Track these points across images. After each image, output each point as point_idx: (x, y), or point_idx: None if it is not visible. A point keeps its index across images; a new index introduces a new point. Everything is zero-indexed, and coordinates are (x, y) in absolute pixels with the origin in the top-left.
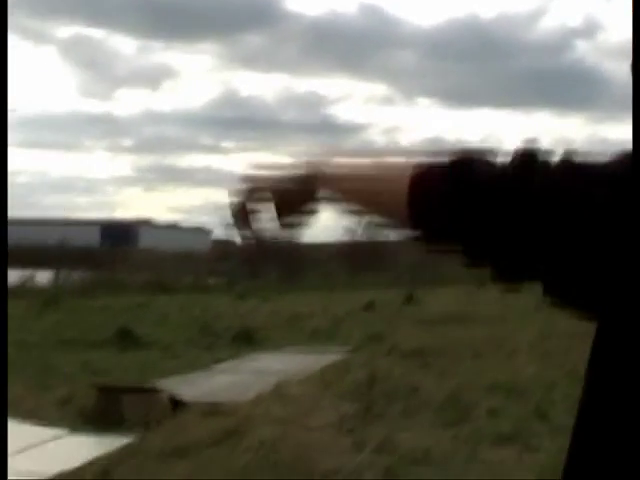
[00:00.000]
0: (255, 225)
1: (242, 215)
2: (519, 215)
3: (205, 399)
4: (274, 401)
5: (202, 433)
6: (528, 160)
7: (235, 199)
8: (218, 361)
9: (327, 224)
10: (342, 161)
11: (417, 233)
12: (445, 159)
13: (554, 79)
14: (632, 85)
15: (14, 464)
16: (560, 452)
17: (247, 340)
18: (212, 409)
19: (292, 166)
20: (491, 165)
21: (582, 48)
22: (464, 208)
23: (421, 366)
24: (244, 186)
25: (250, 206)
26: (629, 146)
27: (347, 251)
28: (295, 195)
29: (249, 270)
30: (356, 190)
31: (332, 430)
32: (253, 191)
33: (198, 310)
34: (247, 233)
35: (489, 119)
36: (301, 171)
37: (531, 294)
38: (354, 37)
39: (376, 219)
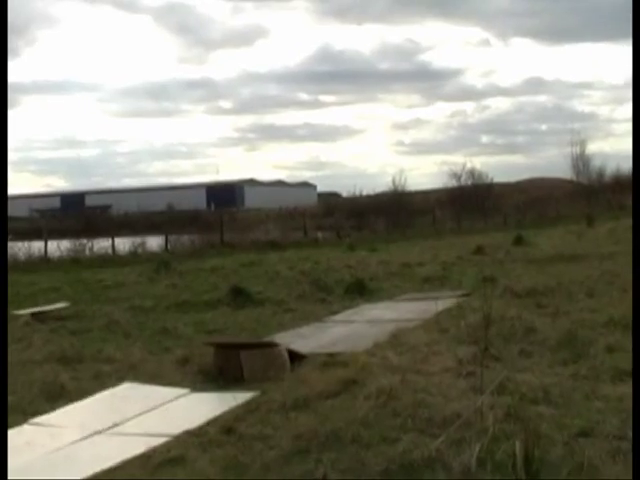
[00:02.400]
0: None
1: None
2: None
3: (322, 351)
4: (391, 349)
5: (322, 384)
6: None
7: None
8: (332, 313)
9: (431, 171)
10: None
11: None
12: None
13: None
14: (632, 85)
15: (141, 424)
16: None
17: (359, 291)
18: (330, 360)
19: None
20: None
21: None
22: None
23: (535, 306)
24: None
25: None
26: None
27: (452, 197)
28: None
29: (358, 222)
30: None
31: (451, 374)
32: None
33: (308, 265)
34: None
35: (588, 55)
36: None
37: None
38: None
39: None
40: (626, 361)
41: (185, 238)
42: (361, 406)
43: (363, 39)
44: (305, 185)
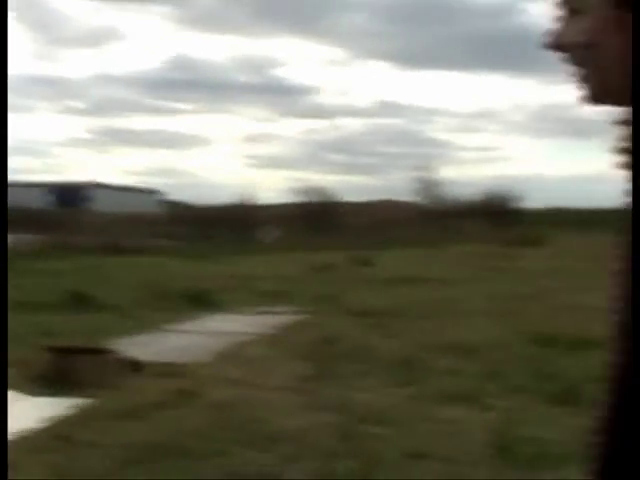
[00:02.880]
0: None
1: None
2: None
3: (160, 360)
4: (229, 362)
5: (157, 394)
6: None
7: None
8: (172, 322)
9: (279, 185)
10: None
11: None
12: None
13: (507, 41)
14: (632, 85)
15: None
16: (511, 410)
17: (201, 302)
18: (167, 370)
19: None
20: None
21: (535, 10)
22: None
23: (375, 326)
24: None
25: None
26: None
27: (300, 213)
28: None
29: (202, 232)
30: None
31: (287, 390)
32: None
33: (151, 272)
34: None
35: (441, 81)
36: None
37: (478, 257)
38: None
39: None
40: (462, 384)
41: (28, 237)
42: (196, 418)
43: (220, 49)
44: (153, 192)
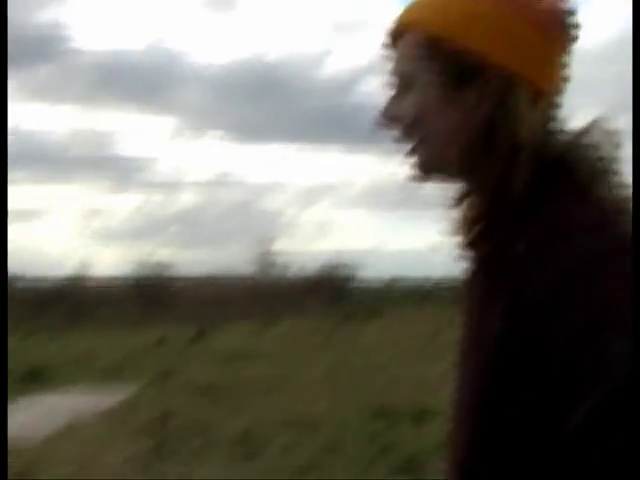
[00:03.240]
0: None
1: None
2: None
3: None
4: (66, 440)
5: None
6: None
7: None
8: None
9: (117, 259)
10: None
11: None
12: None
13: (343, 116)
14: (632, 84)
15: None
16: None
17: (35, 379)
18: None
19: None
20: None
21: (371, 85)
22: None
23: (213, 402)
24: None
25: None
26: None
27: (136, 287)
28: None
29: (37, 307)
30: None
31: (127, 467)
32: None
33: None
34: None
35: (277, 155)
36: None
37: (317, 332)
38: (143, 72)
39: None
40: (304, 458)
41: None
42: None
43: (57, 120)
44: None
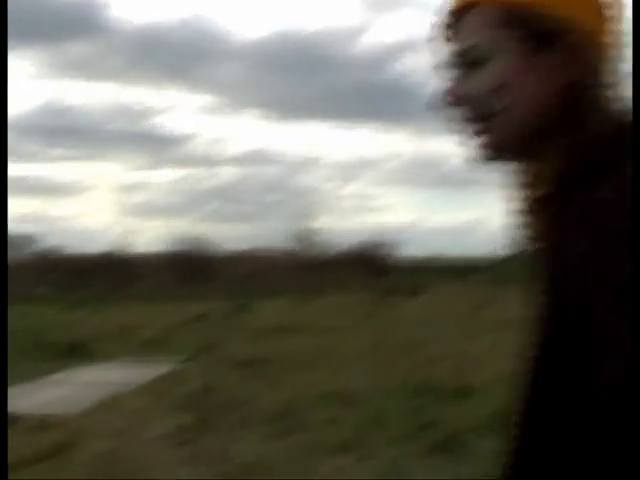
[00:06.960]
0: None
1: None
2: None
3: (35, 412)
4: (107, 413)
5: (32, 447)
6: None
7: None
8: (48, 373)
9: (156, 234)
10: None
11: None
12: None
13: (379, 93)
14: (632, 84)
15: None
16: (394, 459)
17: (77, 352)
18: (42, 422)
19: None
20: None
21: (407, 63)
22: None
23: (253, 377)
24: None
25: None
26: (453, 160)
27: (177, 261)
28: None
29: (77, 280)
30: None
31: (167, 442)
32: None
33: (25, 322)
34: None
35: (314, 132)
36: None
37: (358, 307)
38: (180, 48)
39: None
40: (344, 433)
41: None
42: (72, 473)
43: (94, 96)
44: (26, 238)
